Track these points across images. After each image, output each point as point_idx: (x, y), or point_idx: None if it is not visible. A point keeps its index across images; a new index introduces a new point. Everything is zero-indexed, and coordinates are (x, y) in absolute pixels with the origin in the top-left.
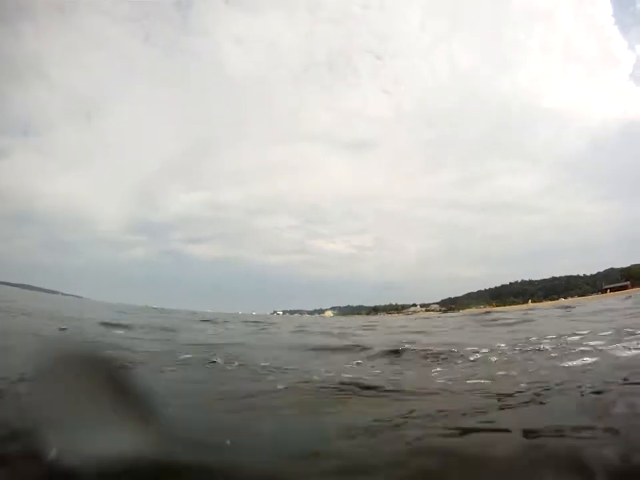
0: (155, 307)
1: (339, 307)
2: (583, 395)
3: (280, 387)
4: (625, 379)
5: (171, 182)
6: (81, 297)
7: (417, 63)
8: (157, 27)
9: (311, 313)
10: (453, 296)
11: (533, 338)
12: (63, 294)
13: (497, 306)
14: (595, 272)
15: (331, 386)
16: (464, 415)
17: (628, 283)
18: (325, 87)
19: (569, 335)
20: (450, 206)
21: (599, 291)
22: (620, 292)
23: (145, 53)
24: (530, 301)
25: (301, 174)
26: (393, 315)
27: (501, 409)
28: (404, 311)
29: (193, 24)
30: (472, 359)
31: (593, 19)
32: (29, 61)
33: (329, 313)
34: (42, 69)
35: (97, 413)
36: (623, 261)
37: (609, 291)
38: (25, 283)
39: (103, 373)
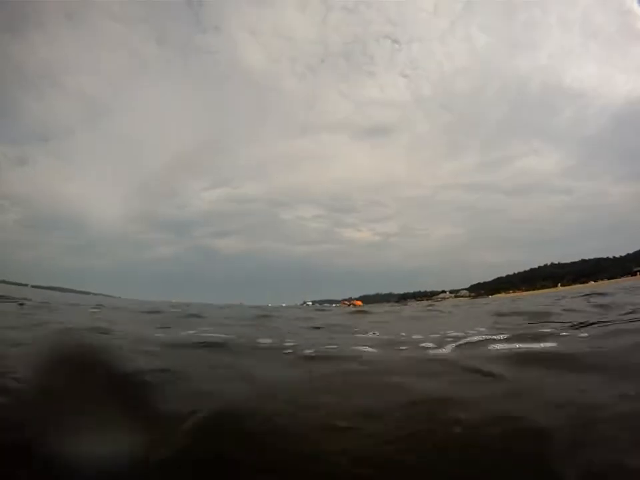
0: (177, 302)
1: (369, 296)
2: None
3: None
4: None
5: (193, 178)
6: (111, 296)
7: (434, 46)
8: (170, 26)
9: (340, 302)
10: (482, 281)
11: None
12: (93, 294)
13: (526, 290)
14: (624, 254)
15: None
16: None
17: None
18: (342, 75)
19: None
20: (473, 190)
21: (628, 274)
22: None
23: (159, 53)
24: (559, 284)
25: (323, 164)
26: (422, 301)
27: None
28: (433, 297)
29: (206, 20)
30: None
31: None
32: (42, 70)
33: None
34: (55, 76)
35: (96, 412)
36: None
37: (638, 273)
38: (55, 285)
39: (102, 371)
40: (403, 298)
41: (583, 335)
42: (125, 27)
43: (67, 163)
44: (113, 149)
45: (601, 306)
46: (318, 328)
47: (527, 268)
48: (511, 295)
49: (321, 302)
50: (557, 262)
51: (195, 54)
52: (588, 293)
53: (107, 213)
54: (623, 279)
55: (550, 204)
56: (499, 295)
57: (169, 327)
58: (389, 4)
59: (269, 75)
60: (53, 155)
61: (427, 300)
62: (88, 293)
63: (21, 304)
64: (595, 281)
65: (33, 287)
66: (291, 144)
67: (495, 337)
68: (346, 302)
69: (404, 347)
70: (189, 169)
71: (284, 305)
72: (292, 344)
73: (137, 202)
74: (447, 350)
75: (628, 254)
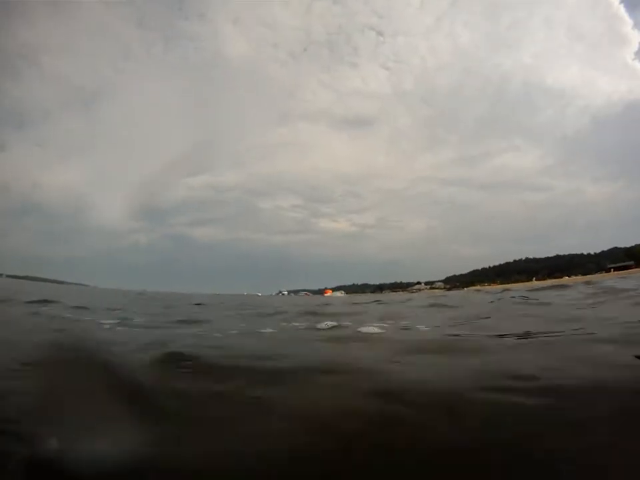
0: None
1: (345, 286)
2: None
3: None
4: None
5: (171, 167)
6: (87, 285)
7: (418, 41)
8: (153, 11)
9: (316, 292)
10: (457, 273)
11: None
12: (67, 283)
13: (500, 284)
14: (599, 251)
15: None
16: None
17: (632, 262)
18: (325, 65)
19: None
20: (452, 184)
21: (602, 270)
22: (623, 272)
23: (140, 37)
24: (534, 278)
25: (302, 153)
26: (398, 292)
27: None
28: (408, 289)
29: (189, 7)
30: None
31: None
32: (21, 51)
33: (330, 292)
34: (34, 58)
35: (95, 411)
36: (627, 241)
37: (612, 270)
38: (31, 274)
39: (101, 370)
40: (379, 289)
41: None
42: (106, 8)
43: (45, 149)
44: (92, 135)
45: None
46: None
47: (503, 262)
48: (486, 287)
49: (297, 291)
50: (532, 257)
51: (176, 39)
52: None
53: (84, 201)
54: (596, 275)
55: (527, 201)
56: (472, 287)
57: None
58: None
59: (251, 62)
60: (30, 140)
61: (403, 291)
62: (62, 282)
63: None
64: (569, 276)
65: (8, 276)
66: (271, 132)
67: None
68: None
69: None
70: (169, 157)
71: (259, 294)
72: None
73: (115, 190)
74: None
75: (602, 251)
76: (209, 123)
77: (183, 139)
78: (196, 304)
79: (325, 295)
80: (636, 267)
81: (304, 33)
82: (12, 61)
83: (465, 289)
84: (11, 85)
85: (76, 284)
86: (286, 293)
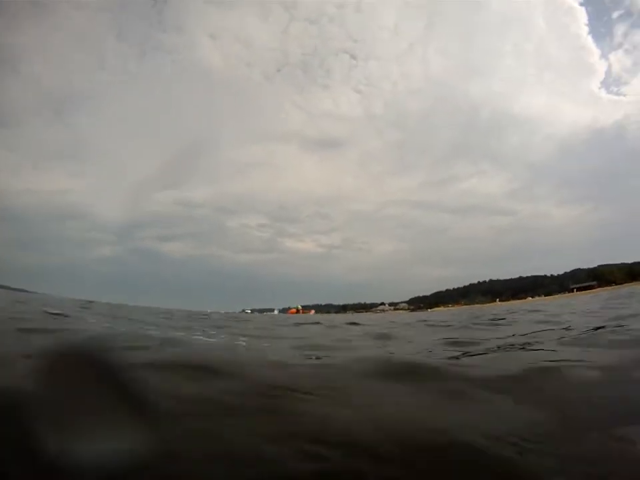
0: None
1: (309, 306)
2: None
3: None
4: None
5: (142, 180)
6: (49, 295)
7: (390, 65)
8: (132, 21)
9: (281, 311)
10: (421, 295)
11: None
12: (28, 292)
13: (465, 305)
14: (562, 272)
15: None
16: None
17: (595, 283)
18: (298, 86)
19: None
20: (420, 207)
21: (566, 290)
22: (587, 291)
23: (117, 48)
24: (498, 300)
25: (272, 173)
26: (362, 313)
27: None
28: (372, 309)
29: (168, 19)
30: None
31: (568, 27)
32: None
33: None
34: (11, 60)
35: (97, 412)
36: (590, 262)
37: (575, 290)
38: None
39: (103, 371)
40: (343, 309)
41: None
42: (87, 18)
43: (16, 154)
44: (63, 143)
45: None
46: None
47: (467, 283)
48: (450, 308)
49: (260, 310)
50: (496, 279)
51: (153, 52)
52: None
53: (52, 209)
54: (559, 295)
55: (493, 224)
56: (437, 309)
57: None
58: (352, 20)
59: (226, 79)
60: (1, 144)
61: (366, 312)
62: (23, 290)
63: None
64: (532, 297)
65: None
66: (243, 151)
67: None
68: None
69: None
70: (140, 170)
71: (222, 312)
72: None
73: (85, 200)
74: None
75: (565, 272)
76: (182, 137)
77: (155, 153)
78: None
79: (290, 314)
80: (599, 287)
81: (280, 53)
82: None
83: (429, 309)
84: None
85: (35, 292)
86: (249, 311)
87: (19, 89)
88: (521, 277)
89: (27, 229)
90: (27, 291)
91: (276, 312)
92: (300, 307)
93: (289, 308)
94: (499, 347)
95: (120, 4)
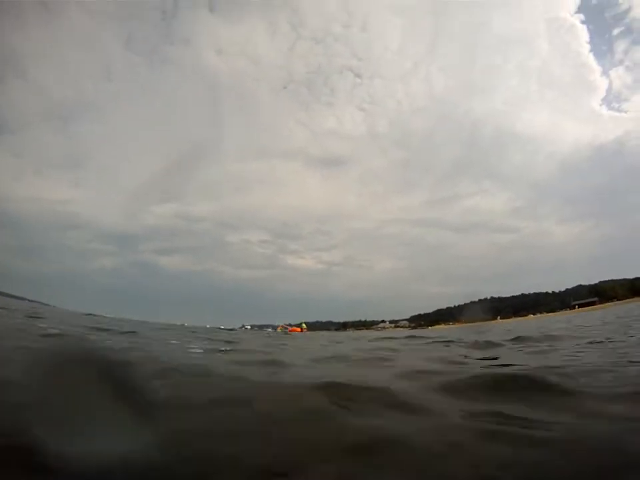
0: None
1: (309, 323)
2: None
3: None
4: None
5: (145, 192)
6: (48, 305)
7: (394, 84)
8: (140, 31)
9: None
10: (422, 312)
11: None
12: (29, 300)
13: (465, 322)
14: (564, 289)
15: None
16: None
17: (596, 299)
18: (302, 104)
19: None
20: (420, 225)
21: (567, 307)
22: (588, 308)
23: (126, 58)
24: (499, 317)
25: (275, 189)
26: (362, 330)
27: None
28: (373, 327)
29: (176, 31)
30: None
31: (570, 45)
32: (7, 57)
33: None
34: (20, 65)
35: (97, 413)
36: (591, 278)
37: (577, 307)
38: None
39: (103, 372)
40: (343, 326)
41: None
42: (97, 25)
43: (19, 160)
44: (68, 151)
45: None
46: None
47: (468, 301)
48: (450, 326)
49: (260, 326)
50: (497, 296)
51: (160, 63)
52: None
53: (54, 217)
54: (561, 312)
55: (495, 241)
56: (438, 326)
57: None
58: (357, 39)
59: (231, 94)
60: (5, 149)
61: (367, 329)
62: (24, 299)
63: None
64: (533, 314)
65: None
66: (245, 166)
67: None
68: (286, 326)
69: None
70: (143, 182)
71: (222, 327)
72: None
73: (87, 210)
74: None
75: (567, 289)
76: (185, 150)
77: (157, 165)
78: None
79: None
80: (600, 303)
81: (285, 70)
82: None
83: (430, 327)
84: None
85: (36, 302)
86: (249, 327)
87: (26, 95)
88: (522, 294)
89: (28, 236)
90: (27, 300)
91: (270, 330)
92: (304, 325)
93: (290, 325)
94: None
95: (130, 14)
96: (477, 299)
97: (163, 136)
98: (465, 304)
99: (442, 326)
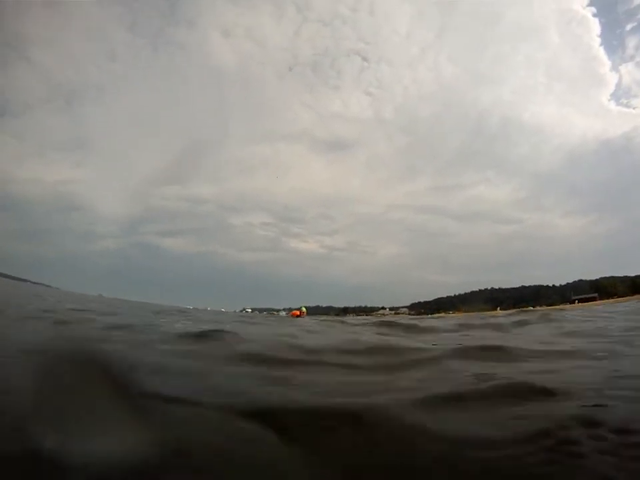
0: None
1: (309, 307)
2: None
3: None
4: None
5: (148, 175)
6: (50, 286)
7: (401, 70)
8: (144, 13)
9: (280, 310)
10: (423, 300)
11: None
12: (31, 282)
13: (465, 312)
14: (564, 283)
15: None
16: None
17: (596, 294)
18: (308, 86)
19: None
20: (424, 212)
21: (567, 301)
22: (588, 303)
23: (130, 40)
24: (499, 308)
25: (279, 172)
26: (362, 316)
27: None
28: (373, 313)
29: (181, 13)
30: None
31: (581, 37)
32: (11, 40)
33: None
34: (23, 48)
35: (96, 411)
36: (592, 274)
37: (577, 301)
38: None
39: (102, 371)
40: (343, 312)
41: None
42: (100, 6)
43: (21, 141)
44: (71, 133)
45: None
46: None
47: (469, 290)
48: (450, 314)
49: (261, 310)
50: (497, 287)
51: (165, 46)
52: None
53: (57, 199)
54: (561, 306)
55: (497, 232)
56: (438, 314)
57: None
58: (364, 22)
59: (236, 76)
60: (8, 132)
61: (366, 315)
62: (26, 281)
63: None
64: (533, 307)
65: None
66: (250, 149)
67: None
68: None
69: None
70: (147, 164)
71: (223, 310)
72: None
73: (89, 192)
74: None
75: (568, 283)
76: (189, 133)
77: (161, 147)
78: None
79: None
80: (600, 299)
81: (291, 53)
82: (1, 47)
83: (429, 315)
84: None
85: (39, 284)
86: (249, 310)
87: (29, 78)
88: (523, 285)
89: (30, 219)
90: (30, 282)
91: (283, 313)
92: (304, 309)
93: (291, 309)
94: None
95: None
96: (477, 289)
97: (167, 118)
98: (466, 293)
99: (442, 314)
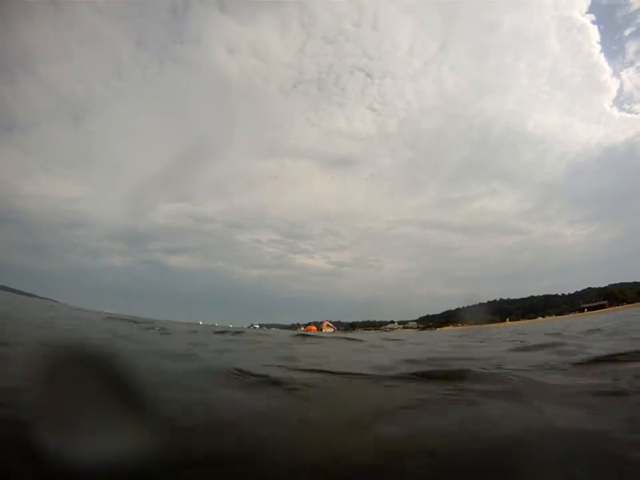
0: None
1: (316, 322)
2: None
3: None
4: None
5: (154, 191)
6: (57, 302)
7: (405, 84)
8: (151, 31)
9: (288, 327)
10: (431, 314)
11: None
12: (39, 297)
13: (473, 324)
14: (573, 291)
15: None
16: None
17: (605, 302)
18: (312, 103)
19: None
20: (430, 226)
21: (576, 310)
22: (597, 311)
23: (136, 56)
24: (508, 319)
25: (284, 189)
26: (370, 331)
27: None
28: (382, 327)
29: (187, 30)
30: None
31: (581, 45)
32: (20, 56)
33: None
34: (32, 64)
35: (97, 411)
36: (601, 281)
37: (586, 310)
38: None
39: (103, 370)
40: (352, 326)
41: None
42: (107, 24)
43: (29, 156)
44: (78, 149)
45: None
46: None
47: (477, 302)
48: (458, 328)
49: (268, 326)
50: (506, 298)
51: (170, 63)
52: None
53: (64, 215)
54: (570, 315)
55: (504, 243)
56: (446, 328)
57: None
58: (367, 38)
59: (241, 93)
60: (16, 146)
61: (375, 329)
62: (34, 296)
63: None
64: (542, 317)
65: None
66: (255, 165)
67: None
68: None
69: None
70: (153, 181)
71: (231, 325)
72: None
73: (96, 208)
74: None
75: (576, 291)
76: (195, 149)
77: (168, 163)
78: None
79: (308, 331)
80: (609, 306)
81: (295, 69)
82: (9, 63)
83: (438, 329)
84: (6, 88)
85: (46, 299)
86: (257, 326)
87: (36, 93)
88: (532, 296)
89: (37, 234)
90: (38, 297)
91: (260, 326)
92: (329, 323)
93: (298, 324)
94: None
95: (139, 12)
96: (486, 301)
97: (173, 134)
98: (474, 305)
99: (450, 327)
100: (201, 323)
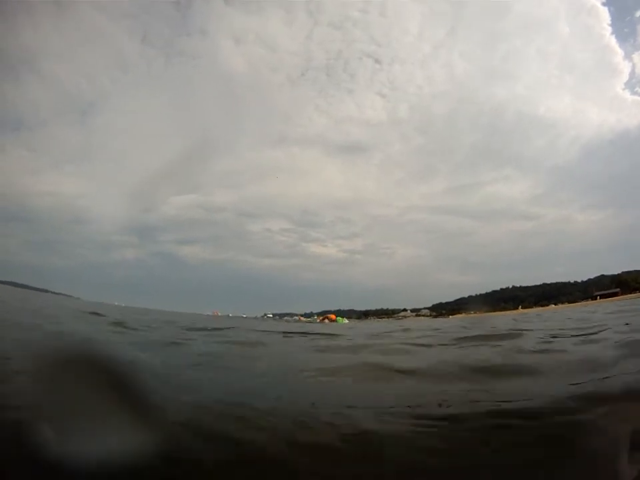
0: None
1: (330, 311)
2: None
3: None
4: None
5: (164, 184)
6: (71, 296)
7: (414, 69)
8: (156, 25)
9: (303, 316)
10: (444, 301)
11: None
12: (53, 292)
13: (486, 312)
14: (585, 279)
15: None
16: None
17: (618, 290)
18: (321, 90)
19: None
20: (441, 212)
21: (589, 298)
22: (610, 299)
23: (142, 52)
24: (520, 307)
25: (295, 177)
26: (383, 318)
27: None
28: (394, 315)
29: (192, 23)
30: None
31: (591, 28)
32: (23, 54)
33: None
34: (36, 63)
35: (98, 411)
36: (613, 268)
37: (599, 297)
38: (12, 280)
39: (104, 370)
40: (365, 315)
41: None
42: (111, 19)
43: (37, 155)
44: (86, 146)
45: None
46: None
47: (490, 290)
48: (472, 315)
49: (281, 315)
50: (519, 285)
51: (176, 56)
52: None
53: (74, 211)
54: (582, 302)
55: (516, 229)
56: (459, 315)
57: None
58: (375, 24)
59: (249, 82)
60: (24, 145)
61: (388, 317)
62: (47, 291)
63: None
64: (555, 304)
65: None
66: (264, 155)
67: None
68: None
69: None
70: (163, 173)
71: (244, 315)
72: None
73: (106, 203)
74: None
75: (589, 279)
76: (204, 140)
77: (176, 156)
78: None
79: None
80: (622, 294)
81: (303, 57)
82: (13, 62)
83: (450, 316)
84: (10, 87)
85: (60, 294)
86: (270, 315)
87: (42, 91)
88: (544, 283)
89: (47, 230)
90: (51, 292)
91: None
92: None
93: (312, 313)
94: None
95: (144, 8)
96: (499, 288)
97: (181, 126)
98: (487, 292)
99: (462, 315)
100: (219, 313)
